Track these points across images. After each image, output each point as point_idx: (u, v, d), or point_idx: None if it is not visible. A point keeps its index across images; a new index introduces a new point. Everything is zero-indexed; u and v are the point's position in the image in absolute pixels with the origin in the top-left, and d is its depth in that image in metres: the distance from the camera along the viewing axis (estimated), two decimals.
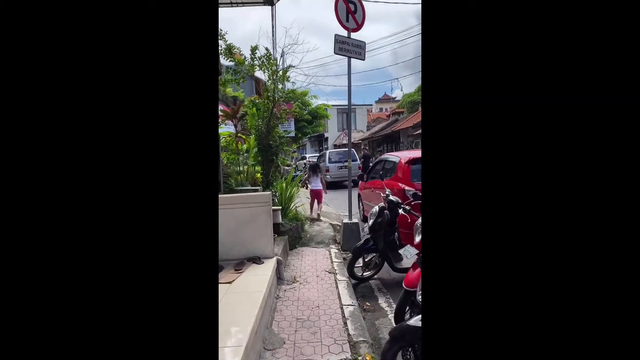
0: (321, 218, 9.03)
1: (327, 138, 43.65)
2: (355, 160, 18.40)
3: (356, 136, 39.51)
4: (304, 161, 27.82)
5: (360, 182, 9.77)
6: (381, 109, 56.88)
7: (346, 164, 12.38)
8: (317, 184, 9.04)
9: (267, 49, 7.55)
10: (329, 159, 19.16)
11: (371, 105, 52.58)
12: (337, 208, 11.60)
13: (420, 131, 10.28)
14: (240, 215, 5.28)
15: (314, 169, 9.22)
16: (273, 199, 7.07)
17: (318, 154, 32.88)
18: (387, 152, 22.69)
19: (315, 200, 9.11)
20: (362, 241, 5.37)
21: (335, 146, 39.99)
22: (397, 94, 56.57)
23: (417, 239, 3.38)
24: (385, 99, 59.28)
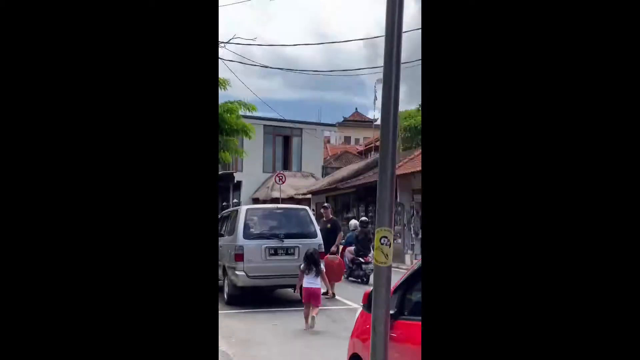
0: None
1: (238, 183, 24.32)
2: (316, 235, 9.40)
3: (303, 184, 24.44)
4: None
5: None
6: (347, 139, 42.11)
7: (285, 239, 8.56)
8: (313, 281, 7.33)
9: None
10: (245, 226, 8.80)
11: (331, 129, 34.12)
12: None
13: None
14: None
15: (312, 261, 7.46)
16: None
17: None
18: (364, 218, 14.49)
19: (310, 304, 7.36)
20: None
21: (258, 201, 23.48)
22: (377, 116, 41.04)
23: None
24: (356, 120, 43.66)
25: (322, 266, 7.75)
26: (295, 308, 8.02)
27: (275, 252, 8.03)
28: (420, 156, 17.61)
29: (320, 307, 7.13)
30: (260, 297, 8.47)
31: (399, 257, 17.16)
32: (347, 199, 21.40)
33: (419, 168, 15.46)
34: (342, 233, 11.87)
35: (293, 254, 8.07)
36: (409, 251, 16.66)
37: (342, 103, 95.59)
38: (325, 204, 10.70)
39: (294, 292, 8.97)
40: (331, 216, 11.01)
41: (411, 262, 16.49)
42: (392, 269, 3.33)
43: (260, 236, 8.10)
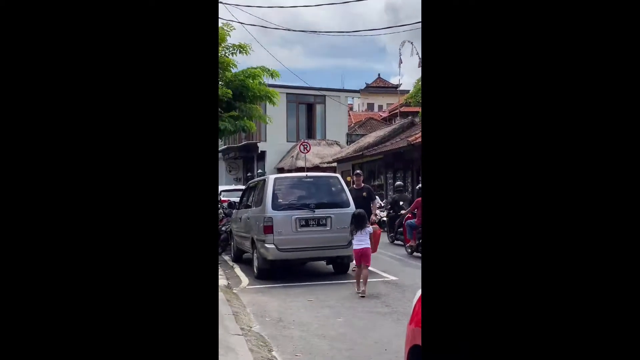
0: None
1: (262, 153, 24.66)
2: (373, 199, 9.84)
3: (327, 153, 23.88)
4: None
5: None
6: (370, 106, 41.12)
7: (316, 209, 7.82)
8: (363, 240, 7.01)
9: None
10: (274, 197, 8.16)
11: (354, 95, 32.06)
12: None
13: None
14: None
15: (360, 220, 7.13)
16: None
17: (243, 184, 17.84)
18: (399, 182, 14.71)
19: (361, 264, 7.10)
20: None
21: (282, 170, 22.62)
22: (402, 81, 39.66)
23: None
24: (379, 87, 42.47)
25: (370, 227, 7.32)
26: (330, 281, 7.58)
27: (306, 223, 7.49)
28: None
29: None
30: (292, 271, 8.02)
31: None
32: (374, 166, 20.79)
33: None
34: (378, 200, 11.28)
35: (325, 224, 7.53)
36: None
37: (363, 70, 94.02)
38: (358, 171, 9.59)
39: (327, 265, 8.55)
40: (363, 184, 9.77)
41: None
42: None
43: (290, 207, 7.55)
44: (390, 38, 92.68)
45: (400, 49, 25.63)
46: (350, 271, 7.97)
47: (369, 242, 7.18)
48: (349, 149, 22.63)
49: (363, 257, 7.13)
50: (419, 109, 27.63)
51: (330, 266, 8.40)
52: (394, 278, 7.53)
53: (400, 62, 25.37)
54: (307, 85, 24.58)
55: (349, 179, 14.70)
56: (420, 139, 16.40)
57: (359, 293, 6.76)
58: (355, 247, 7.14)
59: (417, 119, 23.31)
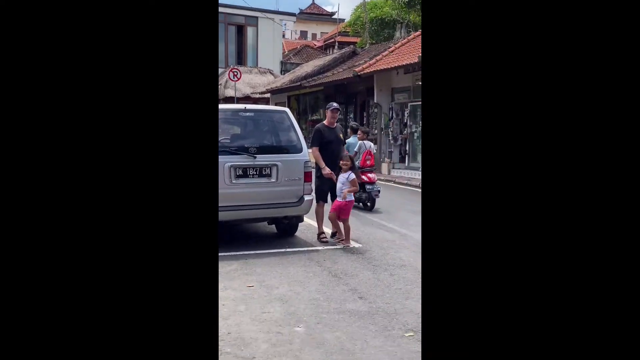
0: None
1: None
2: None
3: (260, 82, 21.26)
4: None
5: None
6: (303, 34, 38.22)
7: (258, 155, 5.67)
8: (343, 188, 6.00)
9: None
10: None
11: (289, 19, 27.76)
12: None
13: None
14: None
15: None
16: None
17: None
18: (354, 123, 11.86)
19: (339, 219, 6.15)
20: None
21: None
22: (338, 9, 36.93)
23: None
24: (314, 13, 39.36)
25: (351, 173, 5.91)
26: (275, 249, 5.65)
27: (244, 173, 5.46)
28: (401, 49, 15.00)
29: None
30: (221, 236, 5.92)
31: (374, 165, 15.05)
32: (313, 99, 18.72)
33: (401, 62, 12.93)
34: (371, 145, 8.81)
35: (269, 175, 5.54)
36: (387, 159, 14.54)
37: None
38: (334, 104, 6.19)
39: (268, 224, 6.59)
40: (336, 124, 6.36)
41: (388, 171, 14.44)
42: None
43: (222, 150, 5.33)
44: None
45: None
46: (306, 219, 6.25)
47: (351, 195, 5.91)
48: (285, 79, 20.31)
49: (342, 211, 5.89)
50: (357, 39, 25.45)
51: (273, 226, 6.51)
52: (356, 245, 5.82)
53: None
54: (237, 4, 21.62)
55: None
56: (366, 70, 14.53)
57: (337, 241, 5.81)
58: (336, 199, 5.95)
59: (359, 47, 21.26)
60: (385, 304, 3.91)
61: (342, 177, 5.75)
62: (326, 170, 5.78)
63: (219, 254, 5.42)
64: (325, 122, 6.24)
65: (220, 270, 4.76)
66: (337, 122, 6.40)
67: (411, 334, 3.38)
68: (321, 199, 6.04)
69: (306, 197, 5.72)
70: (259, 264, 5.01)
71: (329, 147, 5.97)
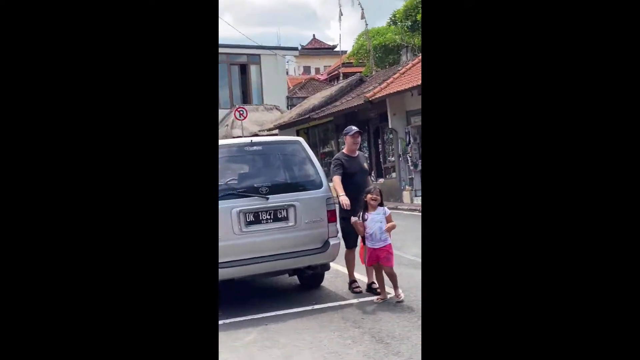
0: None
1: None
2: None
3: (267, 119, 20.51)
4: None
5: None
6: (307, 69, 37.88)
7: (270, 195, 4.70)
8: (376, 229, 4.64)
9: None
10: None
11: (292, 53, 27.60)
12: None
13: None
14: None
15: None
16: None
17: None
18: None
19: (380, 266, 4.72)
20: None
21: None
22: (339, 41, 36.85)
23: None
24: (316, 48, 39.06)
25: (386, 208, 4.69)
26: (303, 307, 4.59)
27: (256, 218, 4.49)
28: (412, 70, 14.21)
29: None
30: (238, 295, 5.03)
31: (395, 195, 14.05)
32: (323, 131, 17.91)
33: (415, 83, 12.10)
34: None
35: (286, 218, 4.58)
36: (407, 187, 13.55)
37: (296, 37, 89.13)
38: (353, 127, 5.18)
39: (290, 276, 5.47)
40: (358, 152, 5.23)
41: (411, 200, 13.43)
42: (391, 210, 4.31)
43: (227, 193, 4.41)
44: (320, 3, 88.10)
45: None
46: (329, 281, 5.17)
47: (386, 235, 4.51)
48: (292, 113, 19.60)
49: (385, 259, 4.53)
50: (361, 69, 24.85)
51: (295, 278, 5.49)
52: (398, 294, 4.76)
53: (341, 14, 22.21)
54: (238, 44, 21.21)
55: None
56: (378, 94, 13.71)
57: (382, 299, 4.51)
58: (367, 244, 4.56)
59: (367, 75, 20.61)
60: None
61: (375, 216, 4.52)
62: (343, 198, 4.60)
63: (233, 320, 4.40)
64: (344, 150, 5.16)
65: (235, 343, 3.79)
66: (359, 149, 5.31)
67: None
68: (350, 244, 4.93)
69: (332, 241, 4.72)
70: (282, 330, 4.02)
71: (352, 180, 4.86)
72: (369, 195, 4.57)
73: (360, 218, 4.55)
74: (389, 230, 4.56)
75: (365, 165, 5.21)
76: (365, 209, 4.57)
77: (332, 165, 5.07)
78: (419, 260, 6.18)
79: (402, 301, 4.43)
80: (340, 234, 4.88)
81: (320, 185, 4.81)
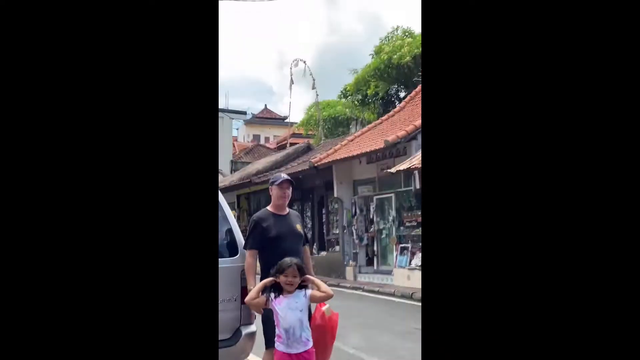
0: None
1: None
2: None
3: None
4: None
5: None
6: (256, 137, 37.22)
7: None
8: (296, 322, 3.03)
9: None
10: None
11: (240, 117, 28.33)
12: None
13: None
14: None
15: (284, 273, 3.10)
16: None
17: None
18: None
19: None
20: None
21: None
22: (291, 112, 36.65)
23: None
24: (267, 118, 38.85)
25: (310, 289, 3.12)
26: None
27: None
28: (361, 137, 13.50)
29: None
30: None
31: (337, 270, 12.79)
32: (265, 197, 16.73)
33: (362, 150, 11.33)
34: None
35: None
36: (351, 262, 12.36)
37: (251, 107, 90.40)
38: (282, 175, 3.81)
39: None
40: (289, 209, 3.82)
41: (354, 277, 12.21)
42: (332, 287, 3.33)
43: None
44: (280, 79, 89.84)
45: (291, 68, 21.87)
46: None
47: (308, 333, 3.01)
48: (233, 177, 18.46)
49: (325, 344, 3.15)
50: (310, 140, 24.33)
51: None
52: None
53: (292, 82, 21.72)
54: None
55: (233, 212, 10.23)
56: (324, 160, 12.81)
57: None
58: (278, 345, 2.98)
59: (314, 143, 19.93)
60: None
61: (294, 302, 2.99)
62: (253, 293, 3.11)
63: None
64: (269, 207, 3.73)
65: None
66: (290, 206, 3.91)
67: None
68: (271, 344, 3.28)
69: (244, 330, 3.41)
70: None
71: (279, 247, 3.42)
72: (282, 278, 2.98)
73: (268, 299, 3.01)
74: (320, 300, 3.12)
75: (299, 227, 3.72)
76: (278, 290, 3.02)
77: (248, 228, 3.64)
78: (363, 356, 4.89)
79: None
80: (256, 321, 3.53)
81: (236, 252, 3.56)
